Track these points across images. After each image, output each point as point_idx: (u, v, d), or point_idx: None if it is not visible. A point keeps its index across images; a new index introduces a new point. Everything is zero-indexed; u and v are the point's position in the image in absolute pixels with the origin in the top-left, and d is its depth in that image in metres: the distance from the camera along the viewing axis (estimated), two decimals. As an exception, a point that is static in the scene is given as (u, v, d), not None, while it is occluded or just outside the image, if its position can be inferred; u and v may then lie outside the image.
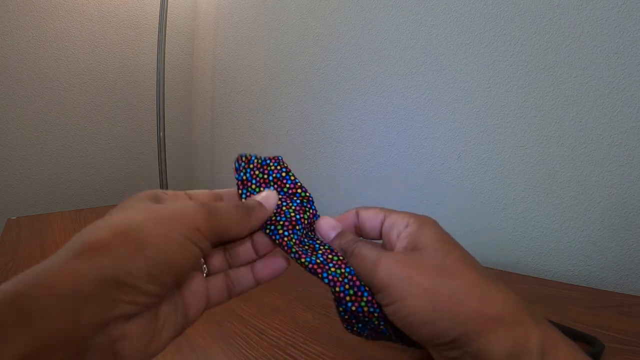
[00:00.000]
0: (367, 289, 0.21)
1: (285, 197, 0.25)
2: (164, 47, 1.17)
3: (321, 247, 0.23)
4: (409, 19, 0.73)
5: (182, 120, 1.40)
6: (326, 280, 0.21)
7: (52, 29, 1.07)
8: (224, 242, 0.23)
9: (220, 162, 1.29)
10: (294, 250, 0.22)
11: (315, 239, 0.25)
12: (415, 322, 0.19)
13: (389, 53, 0.77)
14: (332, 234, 0.24)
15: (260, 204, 0.22)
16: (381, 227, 0.24)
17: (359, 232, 0.26)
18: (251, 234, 0.23)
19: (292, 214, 0.24)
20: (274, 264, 0.24)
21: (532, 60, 0.59)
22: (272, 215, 0.23)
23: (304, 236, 0.24)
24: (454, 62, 0.68)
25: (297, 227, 0.24)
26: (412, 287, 0.19)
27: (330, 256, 0.23)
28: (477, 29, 0.64)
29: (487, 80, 0.64)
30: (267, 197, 0.23)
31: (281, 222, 0.23)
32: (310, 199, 0.26)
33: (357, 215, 0.25)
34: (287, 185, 0.25)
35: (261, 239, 0.24)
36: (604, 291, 0.51)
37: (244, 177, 0.24)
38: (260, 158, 0.25)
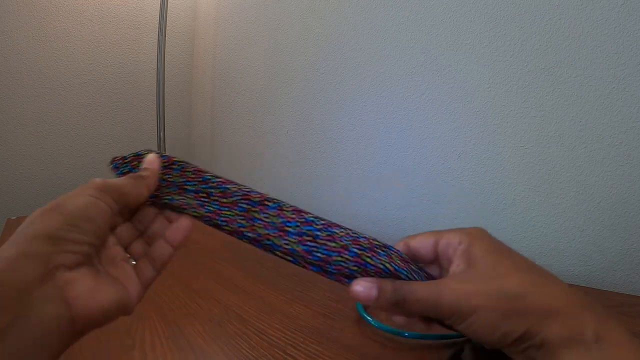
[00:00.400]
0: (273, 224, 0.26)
1: (165, 169, 0.28)
2: (164, 47, 1.16)
3: (215, 193, 0.28)
4: (409, 19, 0.73)
5: (182, 120, 1.40)
6: (223, 222, 0.27)
7: (52, 29, 1.07)
8: (133, 207, 0.26)
9: (220, 162, 1.29)
10: (191, 206, 0.27)
11: (209, 183, 0.28)
12: (487, 332, 0.21)
13: (389, 53, 0.77)
14: (374, 293, 0.23)
15: (146, 168, 0.26)
16: (435, 250, 0.26)
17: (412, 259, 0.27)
18: (153, 203, 0.27)
19: (180, 180, 0.28)
20: (180, 224, 0.27)
21: (532, 60, 0.59)
22: (165, 189, 0.27)
23: (198, 187, 0.28)
24: (454, 62, 0.68)
25: (188, 187, 0.28)
26: (477, 301, 0.21)
27: (223, 200, 0.27)
28: (477, 29, 0.64)
29: (487, 80, 0.64)
30: (149, 160, 0.27)
31: (175, 192, 0.27)
32: (183, 162, 0.29)
33: (407, 245, 0.27)
34: (164, 162, 0.29)
35: (173, 228, 0.27)
36: (604, 291, 0.51)
37: (126, 171, 0.28)
38: (134, 152, 0.28)
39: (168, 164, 0.29)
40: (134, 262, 0.25)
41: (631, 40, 0.50)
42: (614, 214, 0.53)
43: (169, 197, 0.27)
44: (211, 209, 0.27)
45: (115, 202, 0.22)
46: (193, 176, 0.28)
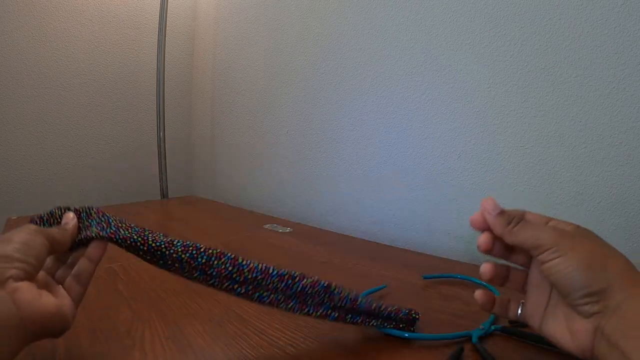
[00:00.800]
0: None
1: (86, 218, 0.34)
2: (164, 47, 1.17)
3: (127, 226, 0.34)
4: (409, 19, 0.73)
5: (182, 120, 1.40)
6: (120, 238, 0.31)
7: (52, 29, 1.08)
8: (61, 252, 0.31)
9: (220, 162, 1.29)
10: (108, 233, 0.32)
11: (123, 228, 0.33)
12: (573, 271, 0.24)
13: (389, 53, 0.77)
14: (499, 209, 0.30)
15: (67, 222, 0.32)
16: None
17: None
18: (78, 244, 0.32)
19: (100, 218, 0.34)
20: (98, 243, 0.32)
21: (532, 60, 0.59)
22: (91, 227, 0.33)
23: (114, 226, 0.34)
24: (454, 62, 0.68)
25: (111, 229, 0.33)
26: (571, 245, 0.25)
27: (127, 225, 0.34)
28: (477, 29, 0.64)
29: (487, 80, 0.64)
30: (66, 216, 0.33)
31: (95, 228, 0.33)
32: (91, 209, 0.35)
33: (523, 215, 0.31)
34: (79, 211, 0.34)
35: (91, 246, 0.32)
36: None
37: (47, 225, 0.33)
38: (48, 211, 0.33)
39: (83, 213, 0.34)
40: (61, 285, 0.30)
41: (631, 40, 0.50)
42: (614, 214, 0.53)
43: (94, 229, 0.32)
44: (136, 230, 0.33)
45: (47, 239, 0.28)
46: (112, 219, 0.35)
